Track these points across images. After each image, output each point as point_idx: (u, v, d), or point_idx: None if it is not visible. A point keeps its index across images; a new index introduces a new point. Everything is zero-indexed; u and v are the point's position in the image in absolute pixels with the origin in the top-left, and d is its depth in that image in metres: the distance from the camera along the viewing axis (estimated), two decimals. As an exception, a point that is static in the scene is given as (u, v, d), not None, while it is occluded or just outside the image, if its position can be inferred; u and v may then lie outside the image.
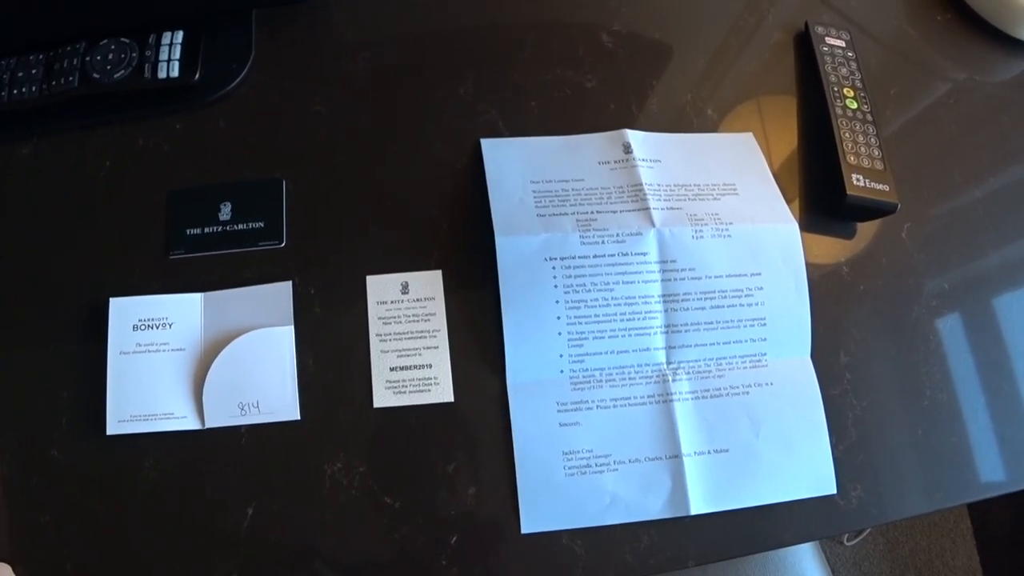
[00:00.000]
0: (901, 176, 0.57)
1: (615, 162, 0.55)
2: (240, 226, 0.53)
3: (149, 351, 0.49)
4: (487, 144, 0.56)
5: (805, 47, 0.63)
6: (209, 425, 0.49)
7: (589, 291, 0.50)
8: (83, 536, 0.47)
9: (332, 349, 0.51)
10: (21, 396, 0.49)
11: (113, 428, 0.48)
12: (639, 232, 0.51)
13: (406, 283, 0.52)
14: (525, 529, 0.48)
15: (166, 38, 0.55)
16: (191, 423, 0.49)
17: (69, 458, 0.48)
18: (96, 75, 0.53)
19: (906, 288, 0.56)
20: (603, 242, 0.51)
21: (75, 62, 0.54)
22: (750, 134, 0.59)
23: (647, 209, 0.52)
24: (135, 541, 0.47)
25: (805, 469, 0.51)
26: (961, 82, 0.65)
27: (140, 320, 0.50)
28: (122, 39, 0.54)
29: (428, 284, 0.52)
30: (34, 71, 0.54)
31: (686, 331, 0.51)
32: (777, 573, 0.73)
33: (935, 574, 1.23)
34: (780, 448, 0.51)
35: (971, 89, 0.64)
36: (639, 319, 0.51)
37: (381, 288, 0.52)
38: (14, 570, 0.45)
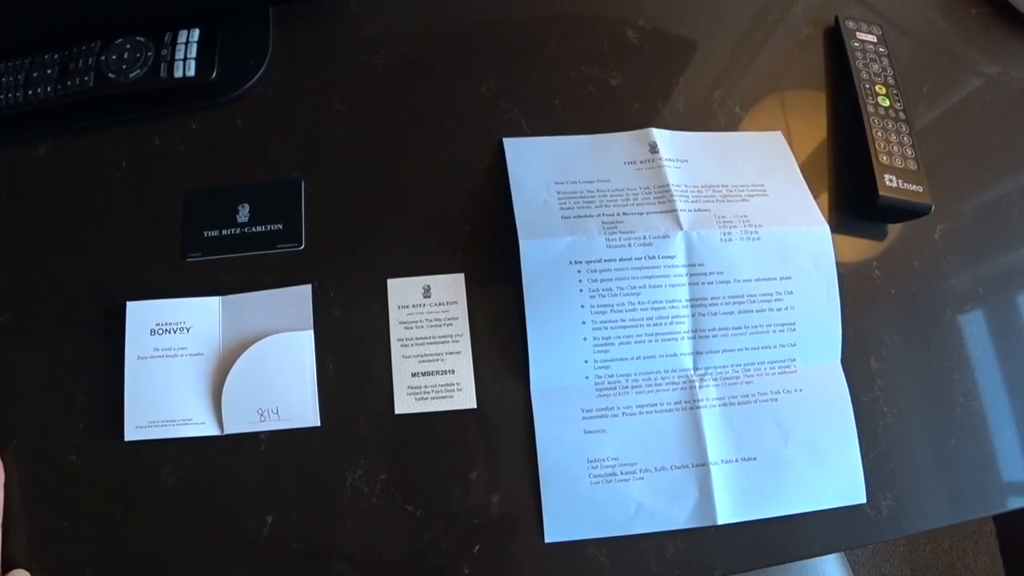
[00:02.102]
0: (934, 175, 0.56)
1: (641, 162, 0.54)
2: (258, 228, 0.52)
3: (167, 356, 0.49)
4: (510, 144, 0.55)
5: (835, 42, 0.61)
6: (228, 431, 0.48)
7: (615, 295, 0.49)
8: (101, 541, 0.47)
9: (353, 354, 0.50)
10: (39, 401, 0.49)
11: (131, 434, 0.48)
12: (666, 235, 0.50)
13: (428, 286, 0.51)
14: (549, 538, 0.47)
15: (182, 36, 0.54)
16: (210, 429, 0.48)
17: (87, 463, 0.48)
18: (111, 74, 0.53)
19: (940, 291, 0.55)
20: (629, 245, 0.50)
21: (90, 62, 0.53)
22: (779, 133, 0.57)
23: (674, 211, 0.51)
24: (153, 547, 0.47)
25: (834, 478, 0.50)
26: (995, 77, 0.63)
27: (157, 324, 0.49)
28: (137, 38, 0.54)
29: (450, 287, 0.51)
30: (49, 71, 0.53)
31: (714, 336, 0.50)
32: (798, 573, 0.73)
33: (957, 577, 1.22)
34: (809, 456, 0.49)
35: (1005, 84, 0.63)
36: (666, 324, 0.50)
37: (402, 292, 0.51)
38: (32, 574, 0.45)
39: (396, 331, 0.50)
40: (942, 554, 1.23)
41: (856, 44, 0.59)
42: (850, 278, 0.54)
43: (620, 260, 0.50)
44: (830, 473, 0.50)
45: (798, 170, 0.55)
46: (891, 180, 0.54)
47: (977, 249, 0.56)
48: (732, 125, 0.58)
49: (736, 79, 0.60)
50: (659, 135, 0.55)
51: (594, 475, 0.48)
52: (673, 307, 0.50)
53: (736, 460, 0.49)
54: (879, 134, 0.55)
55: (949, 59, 0.63)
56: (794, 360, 0.51)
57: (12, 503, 0.47)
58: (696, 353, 0.50)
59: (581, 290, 0.49)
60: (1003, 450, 0.52)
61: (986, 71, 0.63)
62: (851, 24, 0.60)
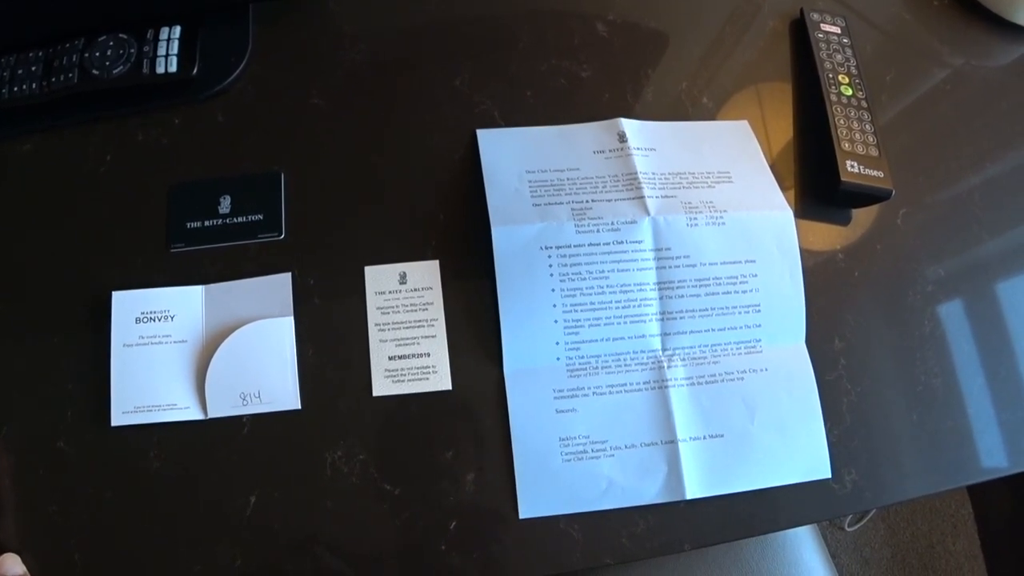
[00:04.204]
0: (897, 162, 0.58)
1: (610, 151, 0.55)
2: (240, 219, 0.54)
3: (152, 343, 0.50)
4: (483, 135, 0.56)
5: (801, 34, 0.63)
6: (212, 415, 0.49)
7: (584, 279, 0.51)
8: (90, 525, 0.48)
9: (332, 339, 0.51)
10: (27, 389, 0.50)
11: (118, 419, 0.49)
12: (634, 220, 0.52)
13: (404, 273, 0.53)
14: (523, 514, 0.49)
15: (164, 33, 0.55)
16: (194, 414, 0.49)
17: (75, 449, 0.49)
18: (95, 71, 0.54)
19: (901, 274, 0.57)
20: (598, 231, 0.51)
21: (74, 59, 0.54)
22: (745, 122, 0.59)
23: (642, 198, 0.53)
24: (141, 530, 0.48)
25: (800, 454, 0.51)
26: (958, 67, 0.65)
27: (142, 313, 0.51)
28: (120, 35, 0.55)
29: (426, 274, 0.52)
30: (34, 68, 0.54)
31: (681, 318, 0.52)
32: (775, 559, 0.74)
33: (936, 559, 1.24)
34: (775, 433, 0.51)
35: (968, 74, 0.64)
36: (634, 307, 0.51)
37: (379, 278, 0.52)
38: (23, 559, 0.46)
39: (373, 316, 0.52)
40: (921, 537, 1.25)
41: (820, 35, 0.61)
42: (815, 261, 0.56)
43: (589, 245, 0.51)
44: (796, 449, 0.51)
45: (763, 157, 0.57)
46: (853, 166, 0.55)
47: (939, 233, 0.58)
48: (701, 116, 0.60)
49: (704, 71, 0.61)
50: (628, 125, 0.56)
51: (566, 453, 0.49)
52: (641, 290, 0.51)
53: (704, 437, 0.50)
54: (841, 122, 0.57)
55: (912, 50, 0.65)
56: (759, 340, 0.53)
57: (2, 490, 0.48)
58: (664, 334, 0.52)
59: (551, 275, 0.51)
60: (968, 425, 0.54)
61: (949, 61, 0.65)
62: (815, 16, 0.62)
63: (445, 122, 0.57)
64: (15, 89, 0.54)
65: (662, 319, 0.52)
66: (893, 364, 0.54)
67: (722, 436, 0.51)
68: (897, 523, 1.26)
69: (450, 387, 0.51)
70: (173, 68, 0.55)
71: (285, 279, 0.52)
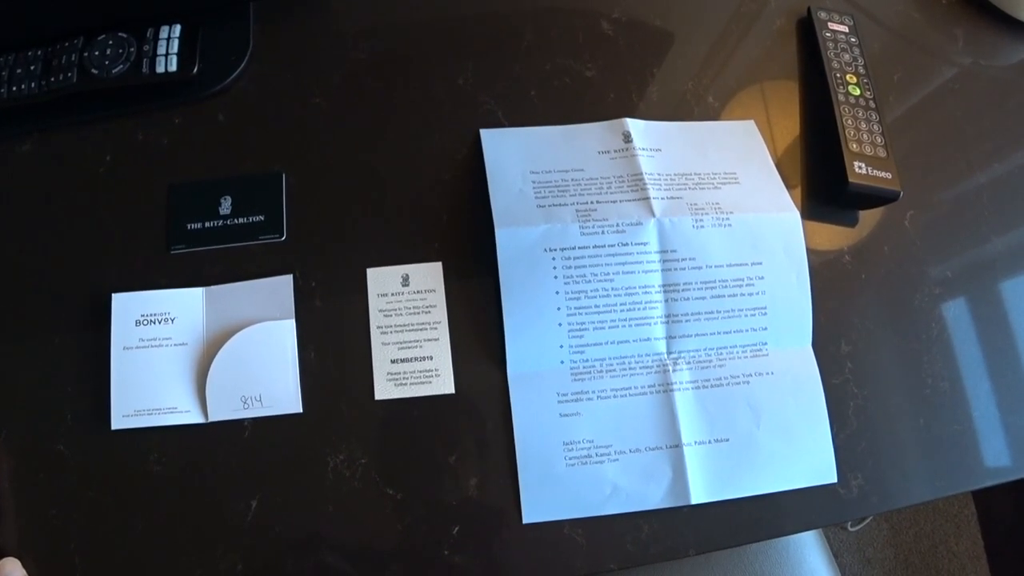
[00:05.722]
0: (905, 162, 0.57)
1: (615, 151, 0.55)
2: (240, 220, 0.53)
3: (152, 346, 0.50)
4: (486, 135, 0.56)
5: (808, 32, 0.62)
6: (212, 419, 0.49)
7: (589, 282, 0.50)
8: (90, 529, 0.47)
9: (333, 342, 0.51)
10: (27, 392, 0.50)
11: (118, 423, 0.48)
12: (639, 222, 0.51)
13: (406, 275, 0.52)
14: (526, 519, 0.48)
15: (164, 32, 0.55)
16: (195, 417, 0.49)
17: (75, 453, 0.48)
18: (94, 70, 0.53)
19: (909, 276, 0.56)
20: (603, 232, 0.51)
21: (73, 58, 0.54)
22: (751, 122, 0.58)
23: (647, 199, 0.52)
24: (141, 534, 0.47)
25: (806, 458, 0.51)
26: (966, 67, 0.64)
27: (142, 315, 0.50)
28: (120, 34, 0.54)
29: (428, 276, 0.52)
30: (32, 67, 0.54)
31: (687, 321, 0.51)
32: (779, 560, 0.74)
33: (939, 559, 1.23)
34: (780, 437, 0.51)
35: (976, 74, 0.64)
36: (639, 309, 0.51)
37: (381, 280, 0.52)
38: (23, 563, 0.46)
39: (375, 319, 0.51)
40: (924, 538, 1.25)
41: (827, 34, 0.60)
42: (821, 263, 0.55)
43: (594, 247, 0.51)
44: (801, 453, 0.51)
45: (770, 158, 0.56)
46: (860, 167, 0.55)
47: (946, 235, 0.57)
48: (706, 115, 0.59)
49: (710, 70, 0.61)
50: (633, 125, 0.56)
51: (570, 457, 0.49)
52: (646, 293, 0.51)
53: (709, 441, 0.50)
54: (849, 122, 0.56)
55: (921, 49, 0.64)
56: (765, 344, 0.52)
57: (1, 493, 0.47)
58: (669, 337, 0.51)
59: (556, 277, 0.50)
60: (974, 429, 0.53)
61: (957, 61, 0.64)
62: (823, 15, 0.61)
63: (448, 122, 0.57)
64: (14, 88, 0.54)
65: (667, 322, 0.51)
66: (900, 367, 0.54)
67: (727, 440, 0.50)
68: (900, 523, 1.26)
69: (453, 390, 0.50)
70: (173, 67, 0.54)
71: (286, 281, 0.51)
